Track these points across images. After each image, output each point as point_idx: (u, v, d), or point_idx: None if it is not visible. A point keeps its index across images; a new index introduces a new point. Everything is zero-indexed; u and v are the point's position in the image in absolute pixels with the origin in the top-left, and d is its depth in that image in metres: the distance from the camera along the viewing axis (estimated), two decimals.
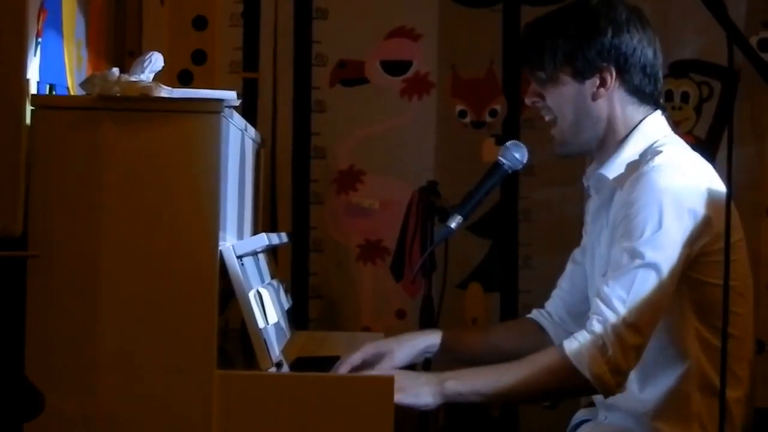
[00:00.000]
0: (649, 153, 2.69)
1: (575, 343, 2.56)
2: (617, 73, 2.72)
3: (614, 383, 2.55)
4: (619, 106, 2.75)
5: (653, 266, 2.55)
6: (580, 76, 2.73)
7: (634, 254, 2.56)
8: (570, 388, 2.61)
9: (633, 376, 2.70)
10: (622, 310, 2.54)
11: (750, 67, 2.40)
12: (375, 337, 3.35)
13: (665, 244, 2.56)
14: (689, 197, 2.60)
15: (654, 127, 2.76)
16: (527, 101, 2.84)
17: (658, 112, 2.78)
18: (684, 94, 3.94)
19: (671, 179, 2.60)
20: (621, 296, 2.55)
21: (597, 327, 2.55)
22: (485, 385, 2.61)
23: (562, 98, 2.75)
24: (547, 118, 2.81)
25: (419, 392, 2.58)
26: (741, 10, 3.84)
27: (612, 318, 2.54)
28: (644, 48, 2.73)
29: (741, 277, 2.69)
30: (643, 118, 2.75)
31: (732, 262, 2.25)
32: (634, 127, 2.75)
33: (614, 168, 2.74)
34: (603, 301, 2.56)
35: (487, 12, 4.00)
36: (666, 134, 2.77)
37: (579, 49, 2.72)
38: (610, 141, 2.77)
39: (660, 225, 2.56)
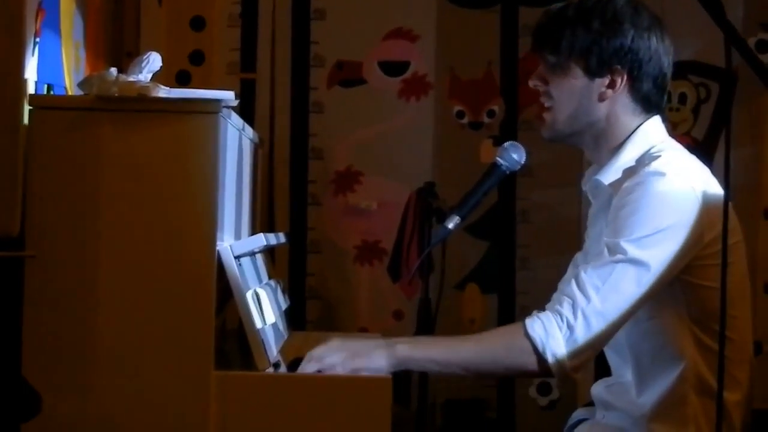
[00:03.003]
0: (647, 158, 2.68)
1: (538, 323, 2.56)
2: (628, 78, 2.71)
3: (570, 367, 2.55)
4: (621, 111, 2.73)
5: (635, 262, 2.55)
6: (592, 72, 2.71)
7: (618, 249, 2.56)
8: (528, 367, 2.58)
9: (631, 380, 2.71)
10: (595, 297, 2.55)
11: (748, 69, 2.40)
12: (372, 338, 3.34)
13: (653, 246, 2.56)
14: (686, 202, 2.60)
15: (651, 133, 2.74)
16: (530, 83, 2.80)
17: (657, 118, 2.77)
18: (682, 95, 3.94)
19: (668, 184, 2.60)
20: (596, 284, 2.55)
21: (566, 309, 2.55)
22: (440, 354, 2.60)
23: (566, 89, 2.73)
24: (546, 105, 2.78)
25: (371, 355, 2.57)
26: (739, 11, 3.85)
27: (583, 303, 2.54)
28: (660, 58, 2.72)
29: (738, 280, 2.68)
30: (641, 124, 2.74)
31: (729, 264, 2.25)
32: (632, 132, 2.74)
33: (611, 174, 2.73)
34: (578, 285, 2.56)
35: (485, 13, 4.01)
36: (663, 140, 2.75)
37: (597, 44, 2.69)
38: (605, 144, 2.76)
39: (651, 229, 2.56)
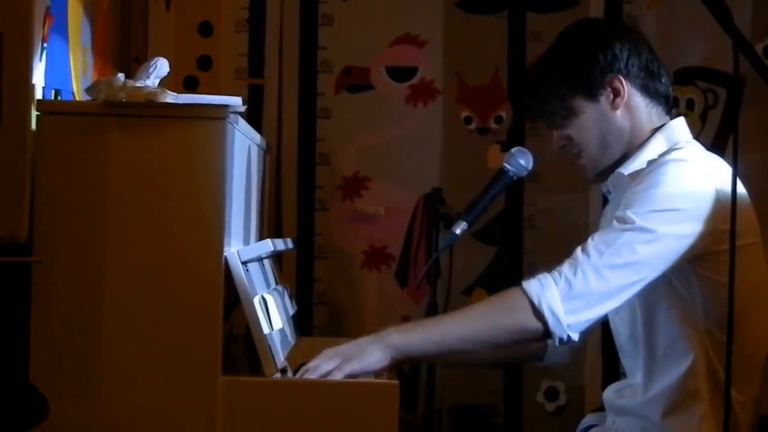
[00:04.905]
0: (669, 152, 2.70)
1: (534, 280, 2.58)
2: (625, 78, 2.74)
3: (567, 323, 2.55)
4: (637, 109, 2.77)
5: (642, 230, 2.56)
6: (592, 96, 2.75)
7: (627, 219, 2.58)
8: (524, 323, 2.58)
9: (639, 377, 2.71)
10: (597, 258, 2.56)
11: (755, 75, 2.40)
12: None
13: (662, 221, 2.57)
14: (701, 191, 2.61)
15: (677, 130, 2.78)
16: (556, 148, 2.85)
17: (682, 119, 2.80)
18: (689, 101, 3.93)
19: (687, 171, 2.63)
20: (600, 248, 2.57)
21: (566, 268, 2.57)
22: (435, 332, 2.61)
23: (583, 125, 2.78)
24: (576, 152, 2.81)
25: (365, 353, 2.57)
26: (746, 17, 3.83)
27: (584, 262, 2.56)
28: (633, 48, 2.77)
29: (754, 282, 2.67)
30: (666, 123, 2.77)
31: (745, 263, 2.25)
32: (657, 129, 2.76)
33: (634, 165, 2.75)
34: (582, 249, 2.59)
35: (493, 19, 4.01)
36: (688, 139, 2.79)
37: (580, 77, 2.76)
38: (633, 145, 2.78)
39: (662, 206, 2.58)
